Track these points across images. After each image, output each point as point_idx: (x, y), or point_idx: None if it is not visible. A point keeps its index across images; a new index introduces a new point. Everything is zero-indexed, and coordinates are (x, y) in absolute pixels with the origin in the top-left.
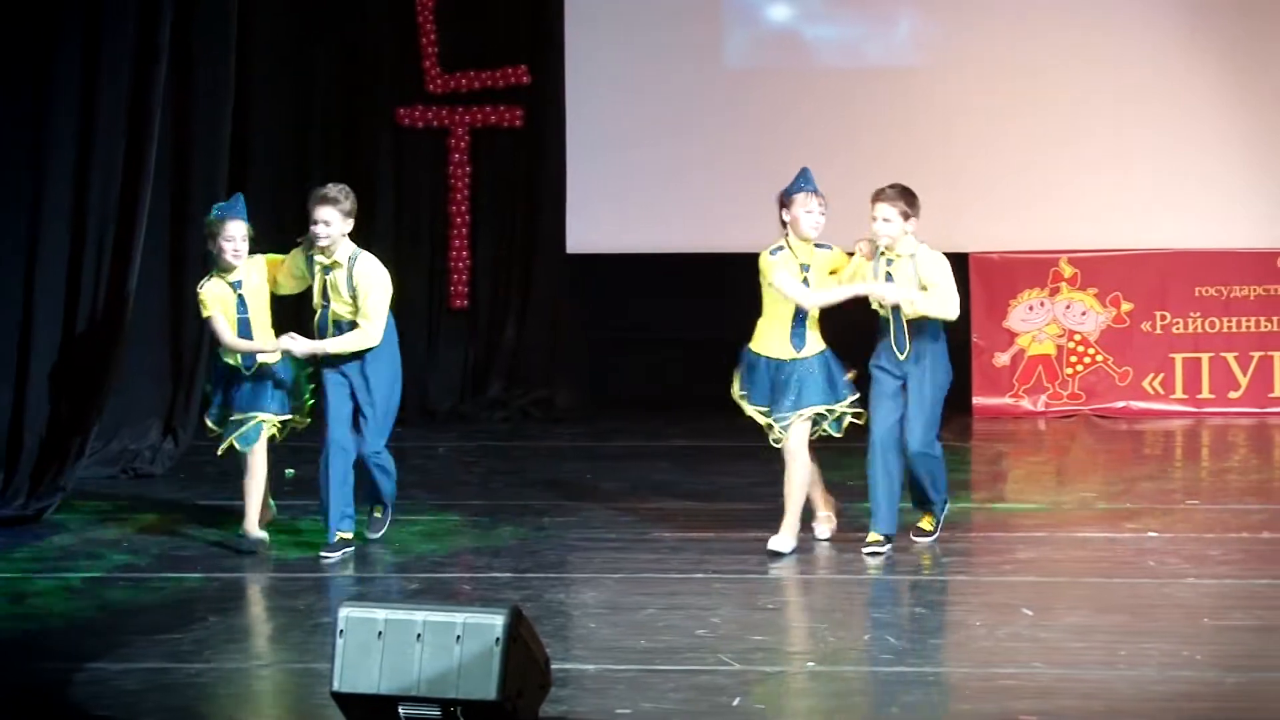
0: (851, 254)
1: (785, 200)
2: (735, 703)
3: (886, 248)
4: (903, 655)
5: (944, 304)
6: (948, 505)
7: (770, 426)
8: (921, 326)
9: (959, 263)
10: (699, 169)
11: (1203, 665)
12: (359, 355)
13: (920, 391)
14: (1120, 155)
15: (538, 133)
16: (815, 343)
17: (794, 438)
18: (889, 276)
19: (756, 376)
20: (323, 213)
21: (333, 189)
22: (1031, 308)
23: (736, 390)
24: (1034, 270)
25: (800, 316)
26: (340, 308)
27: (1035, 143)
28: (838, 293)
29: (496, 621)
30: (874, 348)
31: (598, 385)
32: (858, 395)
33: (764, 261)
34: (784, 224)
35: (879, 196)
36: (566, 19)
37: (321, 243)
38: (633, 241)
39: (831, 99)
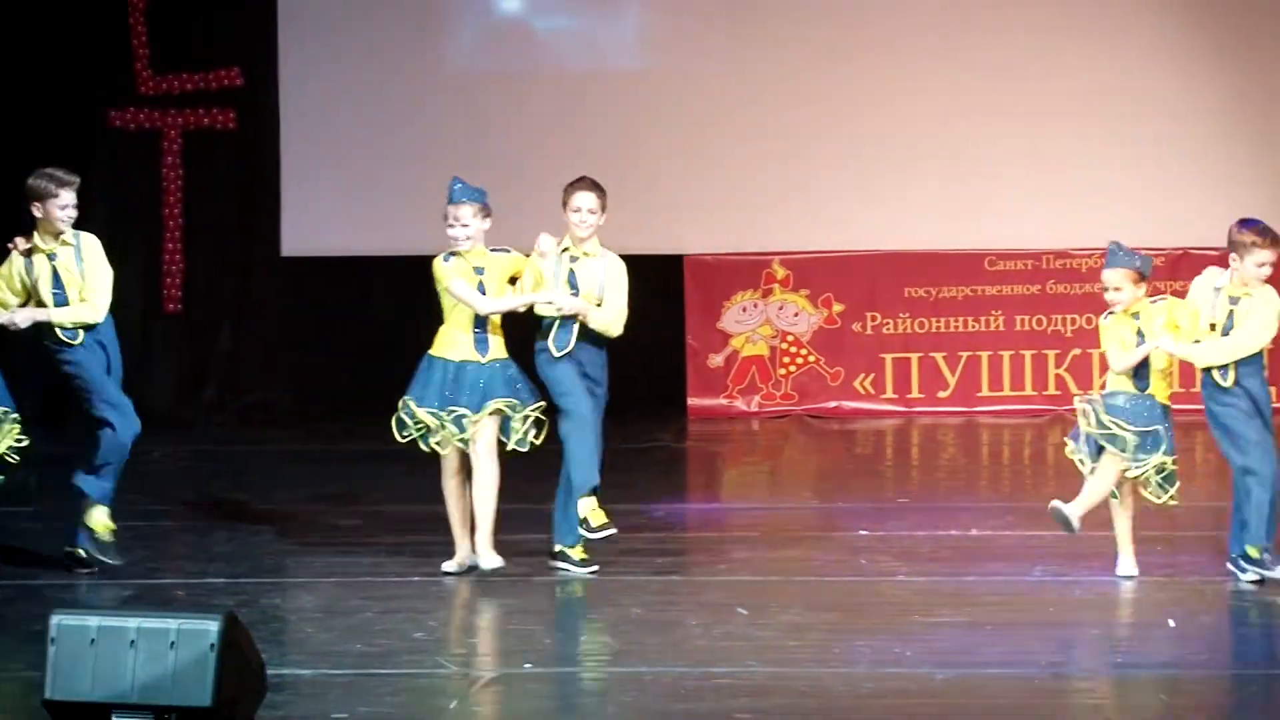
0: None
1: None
2: (452, 706)
3: (578, 241)
4: (620, 656)
5: (612, 321)
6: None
7: (442, 427)
8: (587, 332)
9: (674, 265)
10: (419, 171)
11: (913, 662)
12: None
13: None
14: (829, 158)
15: (252, 135)
16: (498, 348)
17: (481, 440)
18: (571, 275)
19: (432, 379)
20: (69, 196)
21: (68, 173)
22: (745, 309)
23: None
24: (747, 272)
25: (481, 321)
26: (73, 291)
27: (748, 146)
28: (515, 300)
29: (211, 627)
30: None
31: (315, 389)
32: (543, 403)
33: (437, 267)
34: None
35: (577, 186)
36: (280, 20)
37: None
38: (351, 244)
39: (554, 101)
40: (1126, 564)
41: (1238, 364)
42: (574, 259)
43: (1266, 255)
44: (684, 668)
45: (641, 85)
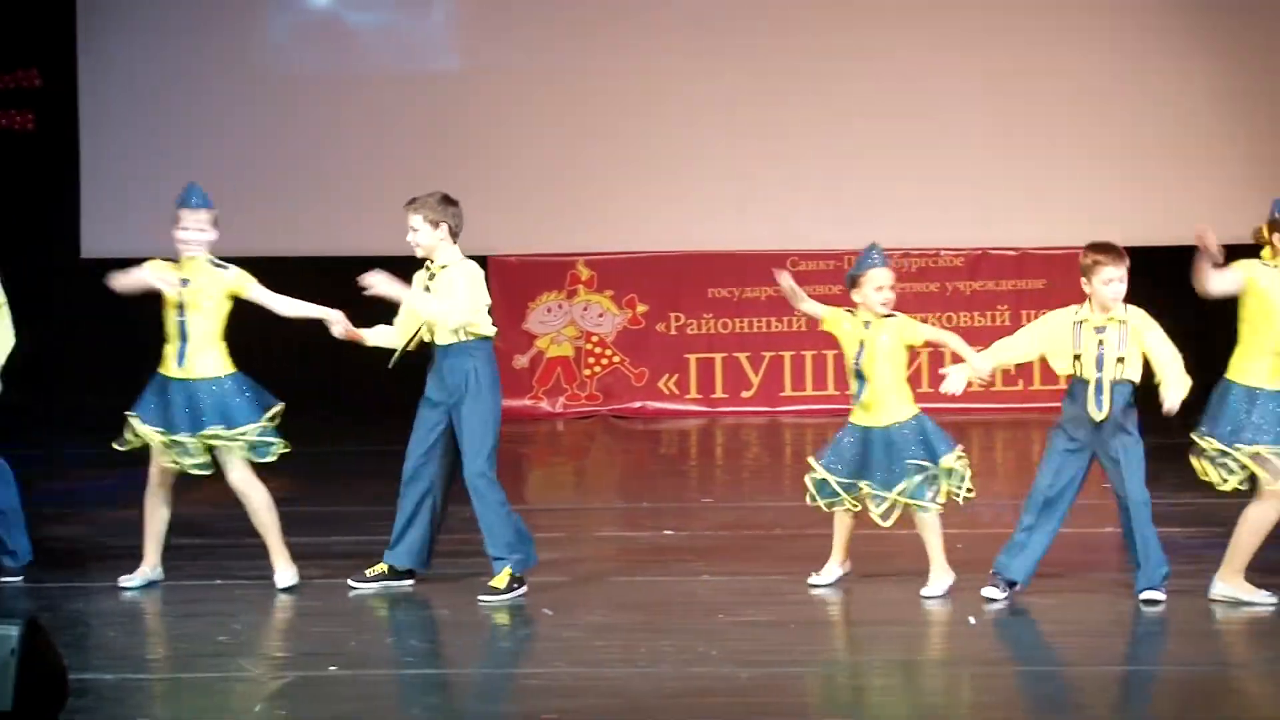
0: None
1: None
2: (256, 709)
3: (428, 261)
4: (426, 657)
5: (439, 313)
6: (526, 563)
7: (167, 449)
8: (466, 348)
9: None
10: (222, 171)
11: (718, 661)
12: None
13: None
14: (633, 160)
15: (51, 136)
16: (205, 365)
17: (232, 474)
18: (427, 289)
19: (164, 399)
20: None
21: None
22: (550, 310)
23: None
24: (551, 273)
25: (184, 334)
26: None
27: (553, 147)
28: (307, 308)
29: (11, 633)
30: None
31: (115, 391)
32: (260, 423)
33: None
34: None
35: (407, 205)
36: (79, 20)
37: None
38: (151, 246)
39: (361, 101)
40: (939, 583)
41: (1114, 394)
42: (431, 276)
43: (1113, 271)
44: (490, 669)
45: (447, 85)
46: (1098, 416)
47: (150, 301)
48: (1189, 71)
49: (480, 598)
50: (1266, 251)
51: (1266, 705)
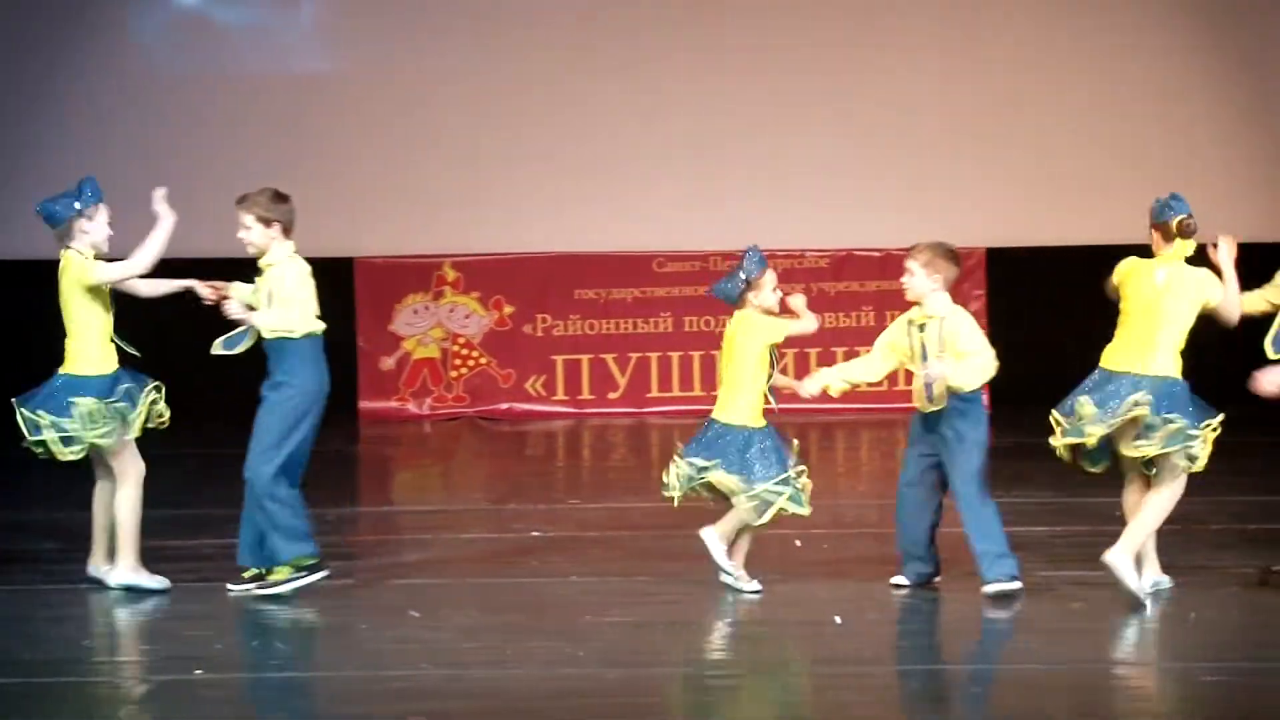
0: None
1: None
2: (121, 713)
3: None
4: (289, 660)
5: (271, 322)
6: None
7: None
8: (286, 345)
9: (344, 267)
10: (84, 172)
11: (585, 662)
12: None
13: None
14: (499, 161)
15: None
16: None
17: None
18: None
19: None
20: None
21: None
22: (416, 311)
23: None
24: (417, 274)
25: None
26: None
27: (418, 149)
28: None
29: None
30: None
31: None
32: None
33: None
34: None
35: (238, 203)
36: None
37: None
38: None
39: (225, 101)
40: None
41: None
42: (260, 272)
43: (910, 263)
44: (356, 671)
45: (312, 87)
46: (925, 407)
47: None
48: (1043, 69)
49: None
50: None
51: (1145, 700)
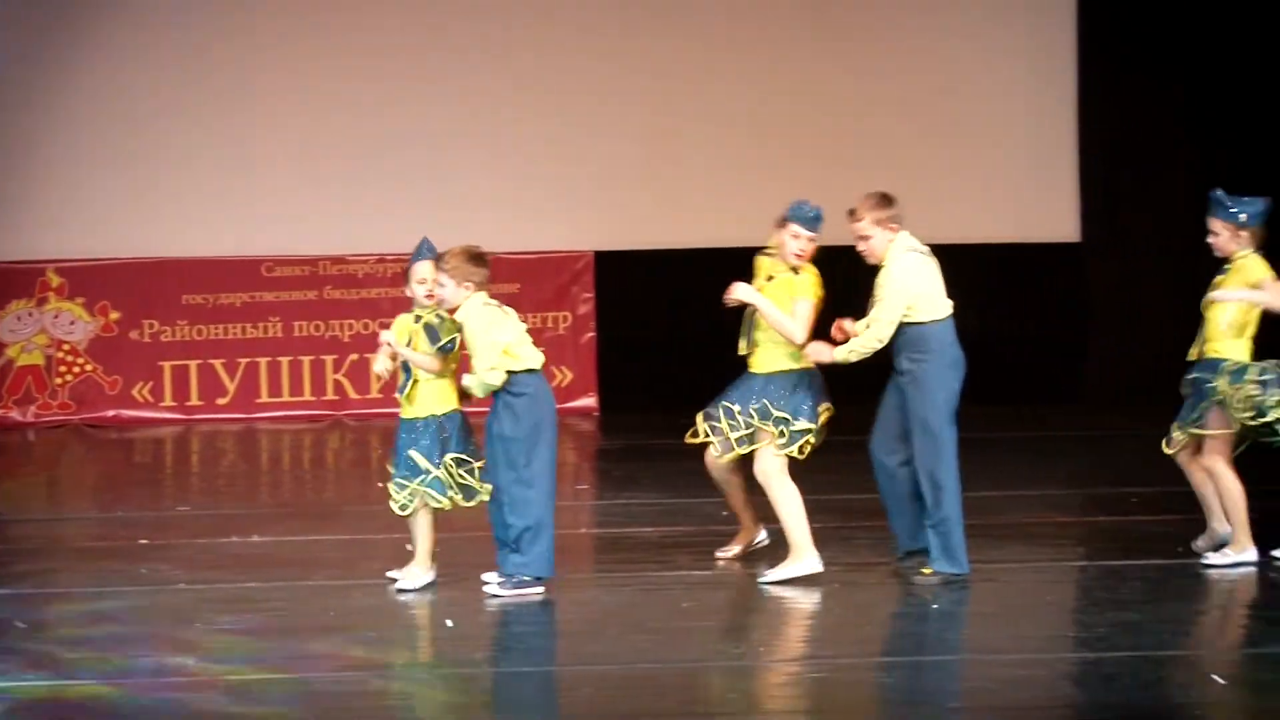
0: None
1: None
2: None
3: None
4: None
5: None
6: None
7: None
8: None
9: None
10: None
11: (197, 670)
12: None
13: None
14: (99, 161)
15: None
16: None
17: None
18: None
19: None
20: None
21: None
22: (20, 318)
23: None
24: (22, 280)
25: None
26: None
27: (22, 148)
28: None
29: None
30: None
31: None
32: None
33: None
34: None
35: None
36: None
37: None
38: None
39: None
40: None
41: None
42: None
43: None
44: None
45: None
46: None
47: None
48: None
49: None
50: None
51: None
